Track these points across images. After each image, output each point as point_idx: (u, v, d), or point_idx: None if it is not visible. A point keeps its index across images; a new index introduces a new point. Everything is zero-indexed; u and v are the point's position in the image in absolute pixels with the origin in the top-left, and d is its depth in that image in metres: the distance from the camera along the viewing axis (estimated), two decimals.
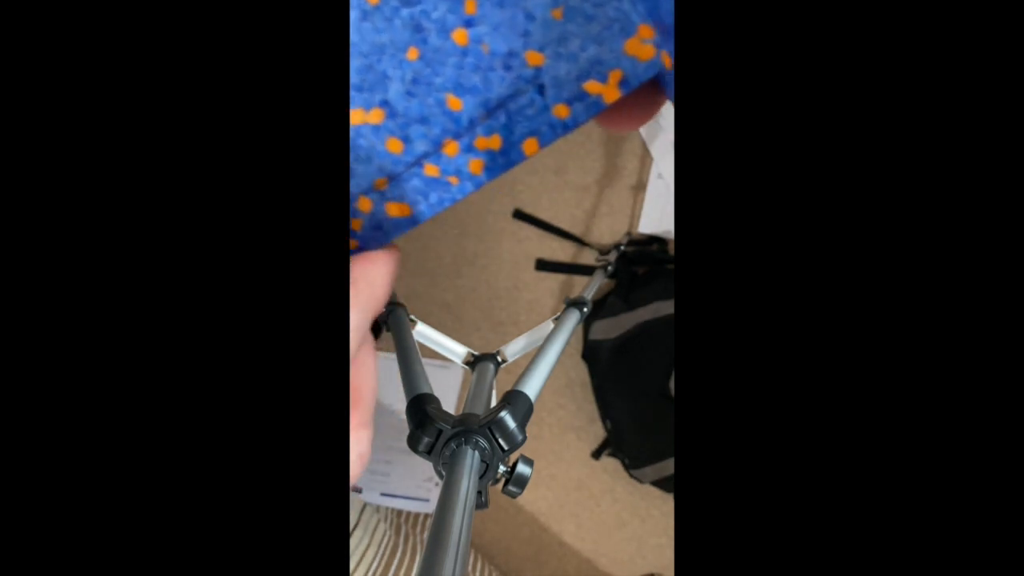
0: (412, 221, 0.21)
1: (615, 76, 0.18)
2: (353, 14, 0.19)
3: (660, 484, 0.82)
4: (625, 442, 0.82)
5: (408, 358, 0.31)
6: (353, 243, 0.22)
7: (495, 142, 0.20)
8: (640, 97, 0.19)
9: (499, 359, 0.36)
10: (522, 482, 0.24)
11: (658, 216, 0.82)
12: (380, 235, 0.21)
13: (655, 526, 0.87)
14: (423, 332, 0.37)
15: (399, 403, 0.27)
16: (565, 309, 0.40)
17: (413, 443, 0.25)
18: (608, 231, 0.84)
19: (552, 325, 0.37)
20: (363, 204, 0.20)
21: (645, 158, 0.82)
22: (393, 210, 0.21)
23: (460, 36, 0.19)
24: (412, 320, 0.38)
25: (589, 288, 0.51)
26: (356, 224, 0.21)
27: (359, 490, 0.84)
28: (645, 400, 0.79)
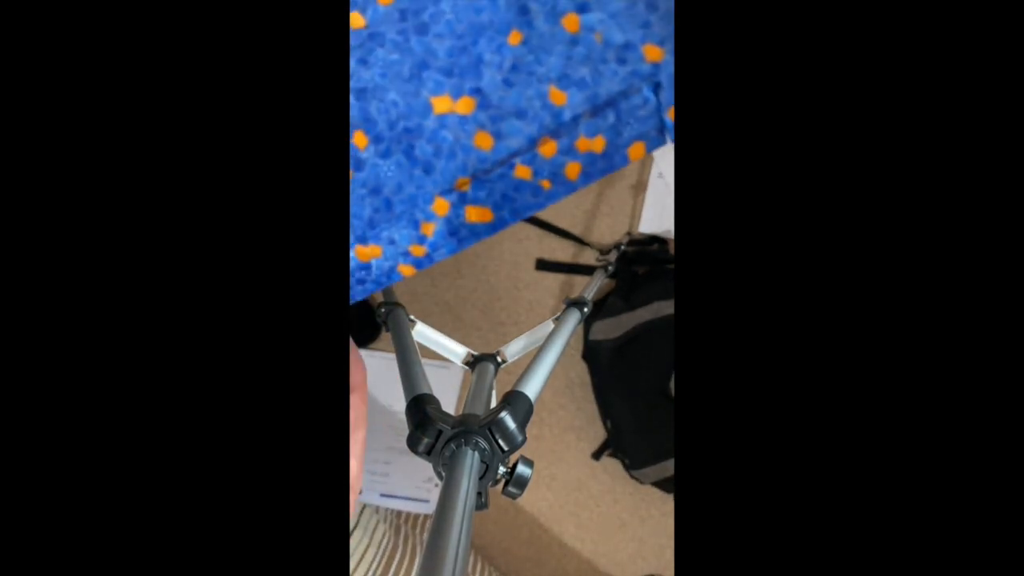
0: (491, 228, 0.19)
1: None
2: None
3: (661, 485, 0.81)
4: (626, 443, 0.82)
5: (408, 358, 0.31)
6: (421, 250, 0.20)
7: (598, 144, 0.18)
8: None
9: (499, 359, 0.36)
10: (522, 483, 0.24)
11: (658, 216, 0.81)
12: (453, 242, 0.19)
13: (655, 527, 0.86)
14: (423, 332, 0.37)
15: (398, 403, 0.27)
16: (565, 309, 0.40)
17: (413, 444, 0.25)
18: (608, 231, 0.84)
19: (552, 325, 0.37)
20: (439, 206, 0.19)
21: (645, 158, 0.82)
22: (472, 215, 0.19)
23: (571, 22, 0.17)
24: (412, 320, 0.38)
25: (589, 288, 0.51)
26: (428, 228, 0.19)
27: (359, 491, 0.84)
28: (646, 400, 0.79)
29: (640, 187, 0.82)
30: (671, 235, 0.81)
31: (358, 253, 0.20)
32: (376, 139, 0.18)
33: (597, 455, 0.86)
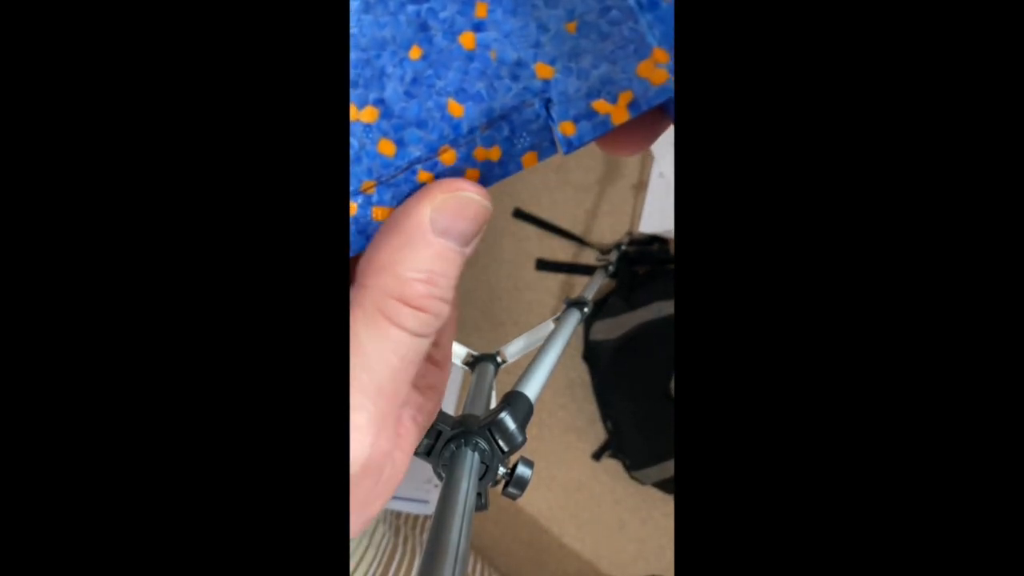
0: None
1: (625, 97, 0.18)
2: (354, 3, 0.18)
3: (662, 485, 0.82)
4: (626, 443, 0.82)
5: None
6: None
7: (495, 153, 0.19)
8: (643, 121, 0.18)
9: (499, 359, 0.36)
10: (522, 484, 0.24)
11: (659, 215, 0.81)
12: (363, 240, 0.20)
13: (656, 528, 0.86)
14: None
15: None
16: (565, 309, 0.40)
17: None
18: (609, 231, 0.84)
19: (552, 325, 0.37)
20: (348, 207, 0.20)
21: (646, 157, 0.82)
22: (379, 215, 0.20)
23: (468, 40, 0.18)
24: None
25: (589, 288, 0.51)
26: None
27: None
28: (646, 401, 0.79)
29: (640, 187, 0.82)
30: (671, 235, 0.81)
31: None
32: None
33: (597, 456, 0.86)
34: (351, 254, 0.20)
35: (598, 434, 0.86)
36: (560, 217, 0.85)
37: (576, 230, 0.84)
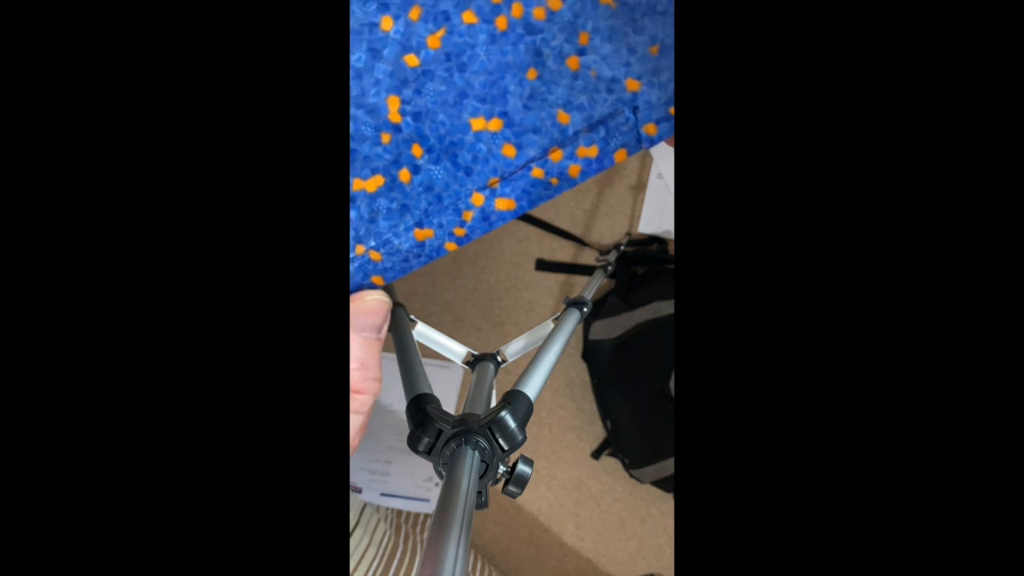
0: (514, 214, 0.25)
1: None
2: (482, 36, 0.22)
3: (660, 484, 0.82)
4: (625, 442, 0.82)
5: (408, 358, 0.31)
6: (463, 231, 0.26)
7: (593, 151, 0.23)
8: None
9: (499, 359, 0.36)
10: (522, 482, 0.24)
11: (658, 216, 0.81)
12: (486, 225, 0.25)
13: (655, 526, 0.87)
14: (423, 332, 0.37)
15: (399, 403, 0.27)
16: (565, 309, 0.40)
17: (413, 443, 0.25)
18: (608, 231, 0.84)
19: (552, 325, 0.37)
20: (476, 199, 0.24)
21: (645, 158, 0.82)
22: (501, 204, 0.24)
23: (573, 62, 0.22)
24: (412, 320, 0.38)
25: (589, 288, 0.51)
26: (468, 216, 0.25)
27: (359, 490, 0.84)
28: (645, 400, 0.79)
29: (639, 188, 0.82)
30: (670, 235, 0.81)
31: (415, 235, 0.26)
32: (429, 150, 0.24)
33: (597, 454, 0.86)
34: (477, 236, 0.25)
35: (597, 433, 0.86)
36: (559, 217, 0.85)
37: (576, 231, 0.84)
